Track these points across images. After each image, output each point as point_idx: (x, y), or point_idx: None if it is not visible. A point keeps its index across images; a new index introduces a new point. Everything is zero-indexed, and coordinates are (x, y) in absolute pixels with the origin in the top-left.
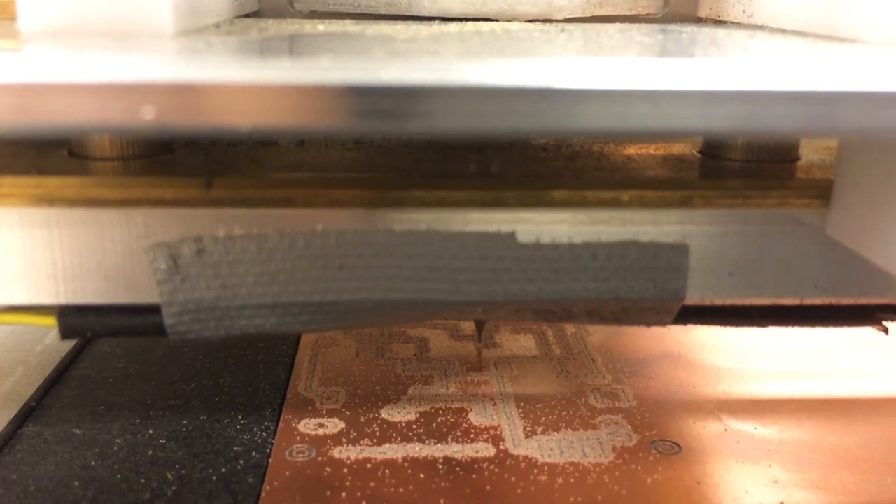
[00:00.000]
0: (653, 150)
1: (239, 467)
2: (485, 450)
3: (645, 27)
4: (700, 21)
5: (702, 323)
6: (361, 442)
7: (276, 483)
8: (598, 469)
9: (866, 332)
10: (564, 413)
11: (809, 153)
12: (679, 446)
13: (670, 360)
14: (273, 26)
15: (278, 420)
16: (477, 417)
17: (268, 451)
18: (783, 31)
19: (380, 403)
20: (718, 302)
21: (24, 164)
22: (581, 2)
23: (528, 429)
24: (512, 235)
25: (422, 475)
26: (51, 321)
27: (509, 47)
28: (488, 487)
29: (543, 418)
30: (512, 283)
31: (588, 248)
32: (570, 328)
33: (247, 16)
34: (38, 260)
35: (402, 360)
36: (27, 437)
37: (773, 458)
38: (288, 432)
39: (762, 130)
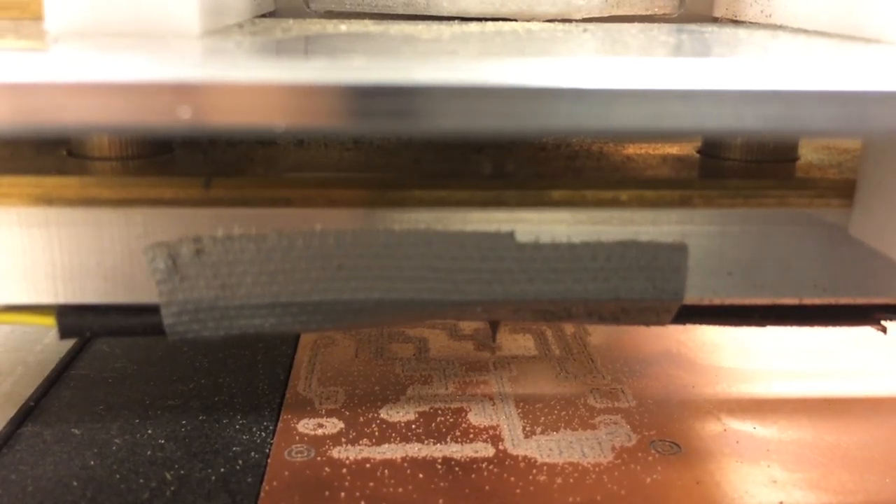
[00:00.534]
0: (652, 149)
1: (238, 467)
2: (484, 450)
3: (665, 27)
4: (716, 21)
5: (701, 322)
6: (360, 442)
7: (275, 483)
8: (597, 469)
9: (865, 332)
10: (564, 413)
11: (808, 153)
12: (678, 446)
13: (669, 360)
14: (295, 26)
15: (277, 420)
16: (476, 417)
17: (267, 451)
18: (805, 32)
19: (379, 403)
20: (717, 302)
21: (22, 163)
22: (599, 2)
23: (527, 429)
24: (511, 235)
25: (421, 475)
26: (50, 321)
27: (535, 47)
28: (487, 487)
29: (543, 418)
30: (511, 283)
31: (587, 247)
32: (569, 328)
33: (264, 16)
34: (37, 260)
35: (402, 360)
36: (26, 437)
37: (773, 457)
38: (287, 432)
39: (796, 130)
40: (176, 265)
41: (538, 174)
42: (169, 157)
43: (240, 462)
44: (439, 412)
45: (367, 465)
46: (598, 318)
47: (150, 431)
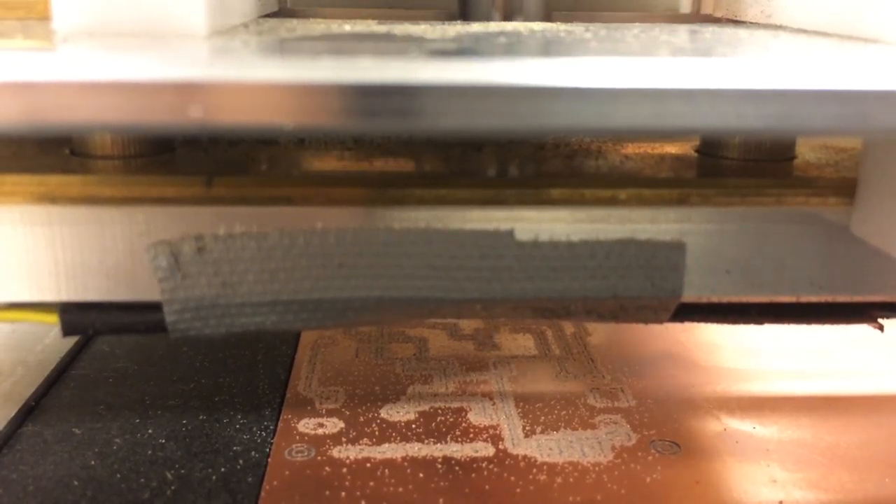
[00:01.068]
0: (650, 148)
1: (238, 467)
2: (484, 449)
3: (666, 27)
4: (717, 21)
5: (699, 320)
6: (361, 441)
7: (275, 483)
8: (597, 469)
9: (865, 332)
10: (564, 413)
11: (805, 152)
12: (678, 446)
13: (669, 360)
14: (300, 26)
15: (277, 420)
16: (476, 417)
17: (267, 450)
18: (805, 32)
19: (379, 403)
20: (716, 299)
21: (26, 162)
22: None
23: (527, 428)
24: (511, 234)
25: (421, 475)
26: (52, 318)
27: (541, 48)
28: (487, 487)
29: (543, 418)
30: (511, 281)
31: (586, 246)
32: (569, 328)
33: (268, 16)
34: (40, 258)
35: (402, 359)
36: (27, 437)
37: (772, 457)
38: (287, 432)
39: (796, 129)
40: (178, 263)
41: (537, 173)
42: (171, 156)
43: (240, 462)
44: (439, 412)
45: (368, 465)
46: (596, 316)
47: (150, 431)
